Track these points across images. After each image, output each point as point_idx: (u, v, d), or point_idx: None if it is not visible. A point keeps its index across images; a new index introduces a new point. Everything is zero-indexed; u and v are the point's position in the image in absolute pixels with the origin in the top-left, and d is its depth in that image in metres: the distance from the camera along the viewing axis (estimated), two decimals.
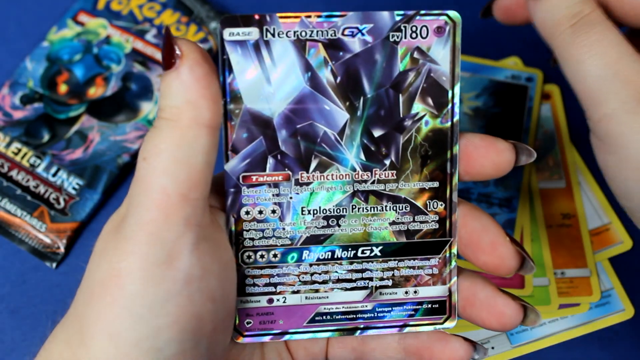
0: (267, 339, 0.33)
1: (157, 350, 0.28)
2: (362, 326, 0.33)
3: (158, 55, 0.47)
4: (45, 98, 0.46)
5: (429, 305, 0.33)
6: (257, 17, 0.30)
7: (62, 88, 0.46)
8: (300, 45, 0.31)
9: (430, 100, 0.32)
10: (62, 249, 0.44)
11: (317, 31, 0.31)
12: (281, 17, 0.31)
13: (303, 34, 0.31)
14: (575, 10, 0.33)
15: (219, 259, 0.30)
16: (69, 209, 0.44)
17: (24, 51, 0.48)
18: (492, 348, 0.42)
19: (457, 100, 0.32)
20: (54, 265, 0.44)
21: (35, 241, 0.44)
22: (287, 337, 0.33)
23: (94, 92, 0.46)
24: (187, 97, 0.28)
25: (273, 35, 0.31)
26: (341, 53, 0.31)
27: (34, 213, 0.44)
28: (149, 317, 0.28)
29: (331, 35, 0.31)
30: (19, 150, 0.45)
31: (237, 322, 0.33)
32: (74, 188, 0.44)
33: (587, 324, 0.42)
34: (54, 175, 0.44)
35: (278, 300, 0.33)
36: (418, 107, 0.32)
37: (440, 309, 0.33)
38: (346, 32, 0.31)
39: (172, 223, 0.28)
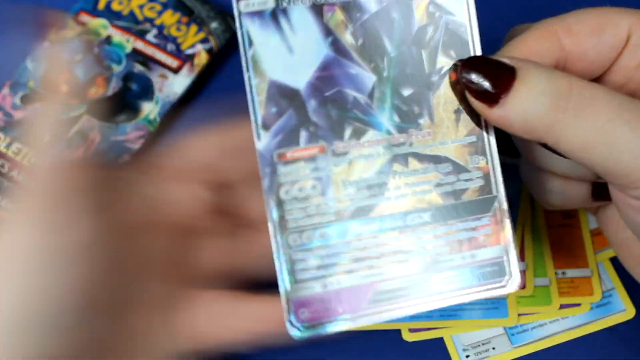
0: (327, 330, 0.31)
1: (52, 320, 0.28)
2: (424, 301, 0.32)
3: (158, 55, 0.47)
4: None
5: (489, 269, 0.32)
6: None
7: (63, 88, 0.46)
8: (318, 9, 0.30)
9: (452, 53, 0.31)
10: None
11: None
12: None
13: None
14: (555, 90, 0.29)
15: (115, 226, 0.30)
16: None
17: (25, 51, 0.48)
18: (493, 348, 0.42)
19: (478, 48, 0.32)
20: None
21: None
22: (348, 324, 0.31)
23: (95, 92, 0.46)
24: None
25: (289, 2, 0.30)
26: (359, 14, 0.31)
27: None
28: (42, 287, 0.28)
29: None
30: (20, 150, 0.45)
31: (293, 315, 0.31)
32: None
33: (588, 324, 0.42)
34: None
35: (332, 283, 0.31)
36: (442, 60, 0.31)
37: (500, 270, 0.32)
38: None
39: (64, 191, 0.28)
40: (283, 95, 0.30)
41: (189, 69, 0.47)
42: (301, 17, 0.30)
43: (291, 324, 0.31)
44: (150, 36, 0.47)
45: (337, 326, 0.31)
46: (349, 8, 0.31)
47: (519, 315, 0.42)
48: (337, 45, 0.31)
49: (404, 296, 0.31)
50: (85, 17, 0.48)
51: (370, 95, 0.31)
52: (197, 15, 0.48)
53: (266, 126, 0.30)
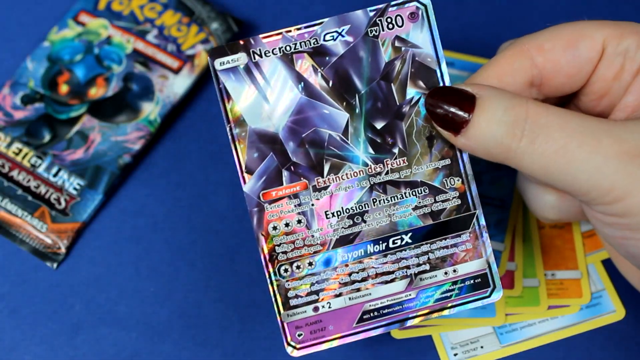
0: (321, 347, 0.34)
1: None
2: (411, 315, 0.34)
3: (159, 55, 0.47)
4: (46, 98, 0.46)
5: (472, 281, 0.34)
6: (242, 42, 0.32)
7: (63, 88, 0.46)
8: (288, 59, 0.33)
9: (421, 83, 0.33)
10: (63, 250, 0.44)
11: (300, 42, 0.33)
12: (264, 37, 0.32)
13: (288, 48, 0.33)
14: (511, 119, 0.30)
15: None
16: (70, 209, 0.44)
17: (25, 51, 0.48)
18: (482, 347, 0.42)
19: (446, 77, 0.33)
20: (55, 265, 0.44)
21: (36, 241, 0.44)
22: (339, 341, 0.34)
23: (95, 92, 0.46)
24: None
25: (260, 55, 0.32)
26: (327, 58, 0.33)
27: (35, 213, 0.44)
28: None
29: (314, 44, 0.33)
30: (20, 150, 0.45)
31: (289, 336, 0.34)
32: (74, 188, 0.44)
33: (578, 325, 0.43)
34: (55, 175, 0.44)
35: (323, 307, 0.34)
36: (412, 91, 0.33)
37: (483, 282, 0.34)
38: (327, 37, 0.33)
39: None
40: (263, 140, 0.33)
41: (190, 69, 0.47)
42: (273, 67, 0.33)
43: (289, 344, 0.34)
44: (150, 37, 0.47)
45: (331, 344, 0.34)
46: (317, 54, 0.33)
47: (507, 315, 0.43)
48: (309, 89, 0.33)
49: (391, 313, 0.34)
50: (85, 17, 0.47)
51: (345, 132, 0.33)
52: (198, 16, 0.48)
53: (250, 170, 0.33)
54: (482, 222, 0.34)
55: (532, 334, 0.43)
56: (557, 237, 0.45)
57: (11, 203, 0.44)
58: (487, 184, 0.45)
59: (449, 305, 0.34)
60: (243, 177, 0.33)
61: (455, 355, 0.42)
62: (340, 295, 0.34)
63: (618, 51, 0.33)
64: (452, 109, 0.31)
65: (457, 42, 0.49)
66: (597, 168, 0.30)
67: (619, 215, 0.31)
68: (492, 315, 0.43)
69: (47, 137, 0.45)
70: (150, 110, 0.46)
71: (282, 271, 0.33)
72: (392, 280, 0.34)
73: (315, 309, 0.33)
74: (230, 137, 0.33)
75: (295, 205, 0.33)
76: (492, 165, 0.45)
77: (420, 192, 0.33)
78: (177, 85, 0.46)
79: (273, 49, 0.32)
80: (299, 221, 0.33)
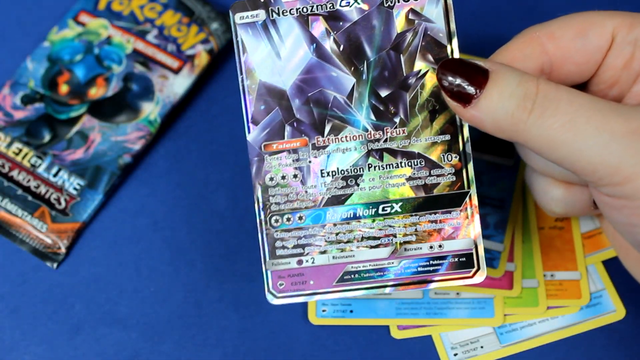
0: (299, 299, 0.35)
1: None
2: (390, 283, 0.34)
3: (159, 56, 0.47)
4: (46, 98, 0.46)
5: (456, 259, 0.34)
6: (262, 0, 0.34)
7: (63, 88, 0.46)
8: (303, 20, 0.34)
9: (430, 57, 0.34)
10: (63, 250, 0.44)
11: (317, 5, 0.34)
12: None
13: (304, 9, 0.34)
14: (522, 93, 0.31)
15: None
16: (70, 209, 0.44)
17: (25, 51, 0.48)
18: (482, 347, 0.42)
19: (456, 54, 0.34)
20: (55, 265, 0.44)
21: (36, 241, 0.44)
22: (318, 297, 0.35)
23: (95, 92, 0.46)
24: None
25: (278, 14, 0.34)
26: (341, 23, 0.34)
27: (35, 213, 0.44)
28: None
29: (330, 8, 0.34)
30: (20, 150, 0.45)
31: (271, 284, 0.35)
32: (75, 188, 0.44)
33: (578, 325, 0.43)
34: (55, 175, 0.44)
35: (307, 261, 0.35)
36: (420, 64, 0.34)
37: (467, 262, 0.34)
38: (343, 3, 0.34)
39: None
40: (271, 95, 0.34)
41: (190, 69, 0.47)
42: (289, 27, 0.34)
43: (270, 292, 0.35)
44: (150, 37, 0.47)
45: (309, 298, 0.35)
46: (332, 18, 0.34)
47: (506, 315, 0.43)
48: (320, 51, 0.34)
49: (371, 278, 0.35)
50: (85, 17, 0.47)
51: (350, 96, 0.34)
52: (198, 16, 0.48)
53: (255, 121, 0.34)
54: (475, 202, 0.34)
55: (532, 334, 0.43)
56: (556, 238, 0.45)
57: (11, 203, 0.44)
58: (487, 184, 0.45)
59: (430, 279, 0.34)
60: (248, 127, 0.34)
61: (455, 355, 0.42)
62: (324, 252, 0.34)
63: (628, 40, 0.33)
64: (465, 81, 0.32)
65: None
66: (604, 145, 0.30)
67: (627, 197, 0.31)
68: (490, 315, 0.43)
69: (47, 137, 0.45)
70: (150, 110, 0.46)
71: (272, 221, 0.34)
72: (376, 246, 0.34)
73: (299, 262, 0.34)
74: (241, 88, 0.34)
75: (293, 160, 0.34)
76: (492, 166, 0.45)
77: (416, 163, 0.34)
78: (177, 85, 0.46)
79: (291, 9, 0.34)
80: (295, 176, 0.34)
